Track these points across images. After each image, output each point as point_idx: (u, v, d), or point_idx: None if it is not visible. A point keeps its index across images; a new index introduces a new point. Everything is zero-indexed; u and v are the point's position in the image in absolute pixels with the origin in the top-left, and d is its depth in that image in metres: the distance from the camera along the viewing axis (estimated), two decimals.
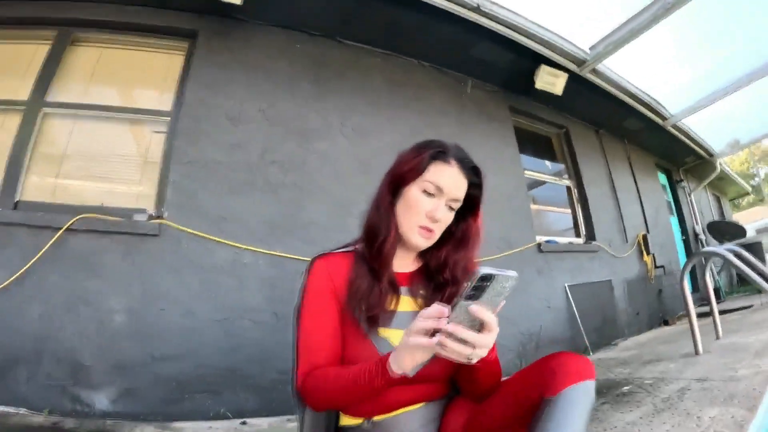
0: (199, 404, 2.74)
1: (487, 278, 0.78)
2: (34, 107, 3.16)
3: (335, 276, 1.19)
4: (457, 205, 1.21)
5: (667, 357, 3.45)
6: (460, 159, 1.20)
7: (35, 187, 3.06)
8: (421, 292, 1.24)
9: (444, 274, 1.23)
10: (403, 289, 1.23)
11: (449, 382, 1.21)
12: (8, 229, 2.75)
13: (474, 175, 1.22)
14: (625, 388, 2.68)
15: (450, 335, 0.84)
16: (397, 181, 1.21)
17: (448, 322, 0.84)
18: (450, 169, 1.18)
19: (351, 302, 1.15)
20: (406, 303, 1.21)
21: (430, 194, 1.17)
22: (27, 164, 3.05)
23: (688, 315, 3.43)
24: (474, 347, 0.85)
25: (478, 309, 0.82)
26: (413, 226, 1.18)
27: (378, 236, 1.18)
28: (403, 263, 1.28)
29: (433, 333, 0.87)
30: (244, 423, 2.58)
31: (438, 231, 1.20)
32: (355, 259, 1.23)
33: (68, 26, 3.38)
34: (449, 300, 1.10)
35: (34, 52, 3.34)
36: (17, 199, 2.95)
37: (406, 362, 0.91)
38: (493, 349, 1.01)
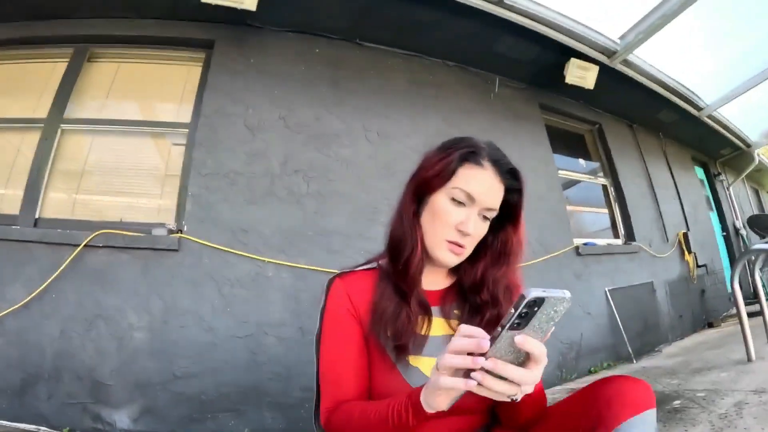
0: (222, 424, 2.64)
1: (536, 303, 0.63)
2: (53, 124, 3.16)
3: (357, 298, 1.05)
4: (492, 215, 1.03)
5: (717, 364, 3.23)
6: (494, 160, 1.02)
7: (55, 203, 3.06)
8: (455, 312, 1.07)
9: (482, 294, 1.05)
10: (435, 309, 1.06)
11: (488, 413, 1.05)
12: (28, 247, 2.76)
13: (512, 178, 1.04)
14: (677, 402, 2.45)
15: (489, 372, 0.69)
16: (422, 187, 1.04)
17: (486, 357, 0.69)
18: (483, 172, 1.00)
19: (375, 328, 1.00)
20: (438, 326, 1.05)
21: (459, 203, 1.00)
22: (46, 181, 3.05)
23: (739, 318, 3.24)
24: (519, 384, 0.70)
25: (525, 340, 0.67)
26: (440, 241, 1.01)
27: (403, 252, 1.02)
28: (434, 280, 1.11)
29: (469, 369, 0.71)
30: None
31: (470, 246, 1.03)
32: (379, 278, 1.07)
33: (85, 43, 3.40)
34: (489, 325, 0.95)
35: (51, 70, 3.37)
36: (37, 216, 2.95)
37: (438, 401, 0.76)
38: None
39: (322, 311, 1.06)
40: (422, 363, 0.98)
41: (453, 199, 1.00)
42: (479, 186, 0.99)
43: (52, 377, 2.57)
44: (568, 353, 3.94)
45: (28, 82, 3.41)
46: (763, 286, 6.89)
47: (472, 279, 1.07)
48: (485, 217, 1.02)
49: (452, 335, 1.01)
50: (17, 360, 2.59)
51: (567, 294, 0.64)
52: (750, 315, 3.32)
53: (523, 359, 0.70)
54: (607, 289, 4.48)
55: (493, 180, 1.00)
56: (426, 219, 1.03)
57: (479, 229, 1.02)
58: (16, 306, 2.63)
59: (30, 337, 2.61)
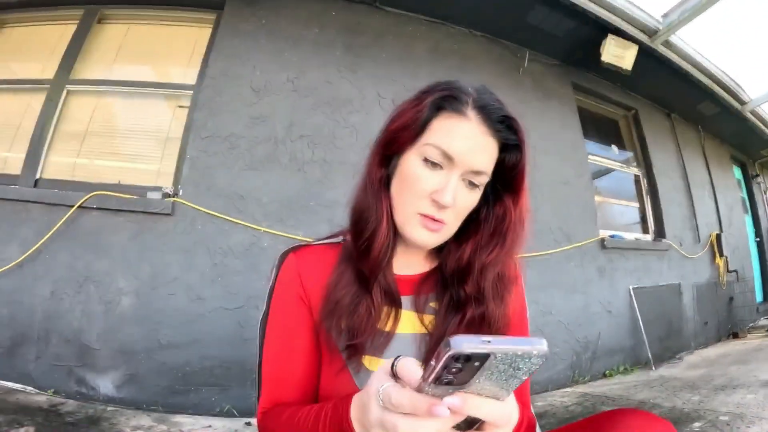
0: (205, 398, 2.55)
1: (470, 358, 0.42)
2: (59, 85, 3.13)
3: (310, 279, 0.84)
4: (481, 180, 0.77)
5: (743, 383, 2.97)
6: (481, 106, 0.75)
7: (56, 165, 3.03)
8: (431, 305, 0.85)
9: (465, 285, 0.81)
10: (406, 300, 0.84)
11: None
12: (26, 206, 2.74)
13: (507, 130, 0.77)
14: (696, 425, 2.21)
15: None
16: (389, 145, 0.80)
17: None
18: (464, 123, 0.75)
19: (326, 320, 0.79)
20: (408, 321, 0.83)
21: (434, 164, 0.75)
22: (49, 142, 3.02)
23: None
24: None
25: (464, 403, 0.46)
26: (411, 214, 0.77)
27: (365, 228, 0.79)
28: (409, 262, 0.87)
29: None
30: (248, 424, 2.31)
31: (452, 222, 0.78)
32: (339, 257, 0.85)
33: (95, 4, 3.34)
34: (471, 328, 0.79)
35: (61, 32, 3.33)
36: (38, 177, 2.94)
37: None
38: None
39: (270, 292, 0.87)
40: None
41: (426, 160, 0.76)
42: (459, 141, 0.74)
43: (41, 338, 2.56)
44: (583, 353, 3.69)
45: (38, 44, 3.39)
46: None
47: (456, 264, 0.83)
48: (472, 183, 0.77)
49: (424, 334, 0.80)
50: (8, 319, 2.58)
51: (538, 346, 0.43)
52: None
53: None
54: (631, 288, 4.20)
55: (480, 132, 0.75)
56: (395, 187, 0.80)
57: (463, 199, 0.77)
58: (10, 265, 2.61)
59: (22, 297, 2.60)
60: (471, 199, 0.78)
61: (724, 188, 6.26)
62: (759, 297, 6.74)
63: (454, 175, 0.74)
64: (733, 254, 5.90)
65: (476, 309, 0.80)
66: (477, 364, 0.42)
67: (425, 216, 0.76)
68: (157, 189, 2.83)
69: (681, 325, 4.70)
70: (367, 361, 0.78)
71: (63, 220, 2.63)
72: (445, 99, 0.76)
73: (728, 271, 5.68)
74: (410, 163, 0.77)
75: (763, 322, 6.16)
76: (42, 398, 2.34)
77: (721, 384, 3.02)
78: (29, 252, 2.60)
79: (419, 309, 0.83)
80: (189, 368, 2.55)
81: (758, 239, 7.39)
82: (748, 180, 7.64)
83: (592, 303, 3.87)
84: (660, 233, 4.85)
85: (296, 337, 0.82)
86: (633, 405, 2.79)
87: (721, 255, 5.54)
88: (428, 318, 0.83)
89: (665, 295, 4.60)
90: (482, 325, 0.80)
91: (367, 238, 0.79)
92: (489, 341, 0.41)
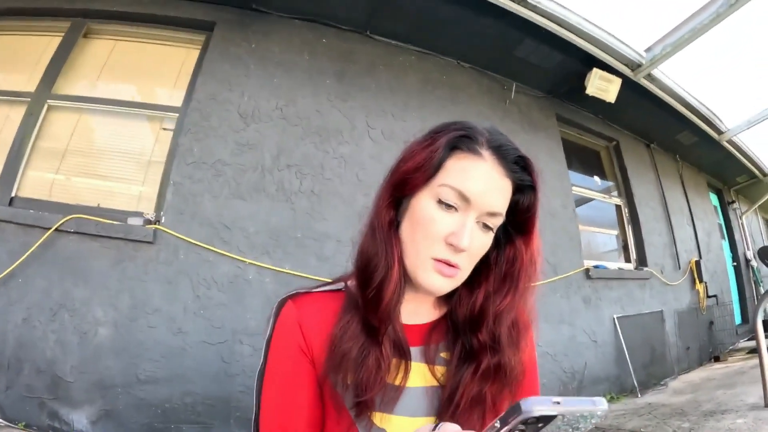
0: None
1: (539, 420, 0.42)
2: (40, 99, 3.03)
3: (312, 330, 0.78)
4: (496, 222, 0.74)
5: (731, 407, 3.01)
6: (496, 146, 0.73)
7: (33, 182, 2.92)
8: (441, 355, 0.80)
9: (479, 333, 0.77)
10: (415, 351, 0.79)
11: None
12: (0, 226, 2.62)
13: (522, 171, 0.75)
14: None
15: None
16: (400, 187, 0.76)
17: None
18: (480, 163, 0.72)
19: (333, 375, 0.74)
20: (418, 373, 0.78)
21: (449, 206, 0.71)
22: (26, 158, 2.91)
23: (760, 359, 3.01)
24: None
25: None
26: (424, 259, 0.72)
27: (374, 275, 0.74)
28: (417, 310, 0.83)
29: None
30: None
31: (466, 266, 0.74)
32: (343, 306, 0.80)
33: (83, 17, 3.26)
34: (485, 379, 0.74)
35: (46, 44, 3.23)
36: (13, 195, 2.82)
37: None
38: None
39: (268, 342, 0.80)
40: (392, 424, 0.73)
41: (440, 202, 0.71)
42: (476, 182, 0.71)
43: (13, 367, 2.44)
44: (570, 382, 3.70)
45: (20, 55, 3.28)
46: None
47: (468, 311, 0.78)
48: (486, 226, 0.73)
49: (436, 387, 0.75)
50: None
51: (600, 406, 0.41)
52: (750, 351, 3.08)
53: None
54: (615, 317, 4.26)
55: (496, 173, 0.72)
56: (406, 230, 0.76)
57: (478, 242, 0.73)
58: None
59: None
60: (485, 242, 0.74)
61: (702, 215, 6.45)
62: (738, 319, 6.91)
63: (470, 217, 0.71)
64: (712, 279, 6.07)
65: (491, 358, 0.76)
66: (541, 425, 0.42)
67: (439, 261, 0.72)
68: (138, 214, 2.75)
69: (664, 352, 4.76)
70: (378, 418, 0.73)
71: (39, 242, 2.52)
72: (460, 139, 0.73)
73: (708, 296, 5.81)
74: (423, 205, 0.73)
75: (743, 344, 6.29)
76: None
77: (710, 409, 3.05)
78: (2, 275, 2.48)
79: (430, 360, 0.78)
80: (169, 404, 2.45)
81: (735, 263, 7.59)
82: (724, 206, 7.87)
83: (578, 333, 3.90)
84: (642, 261, 4.95)
85: (298, 390, 0.76)
86: None
87: (701, 280, 5.67)
88: (440, 370, 0.77)
89: (648, 323, 4.68)
90: (498, 375, 0.76)
91: (377, 284, 0.74)
92: (558, 402, 0.41)
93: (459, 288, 0.78)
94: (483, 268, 0.78)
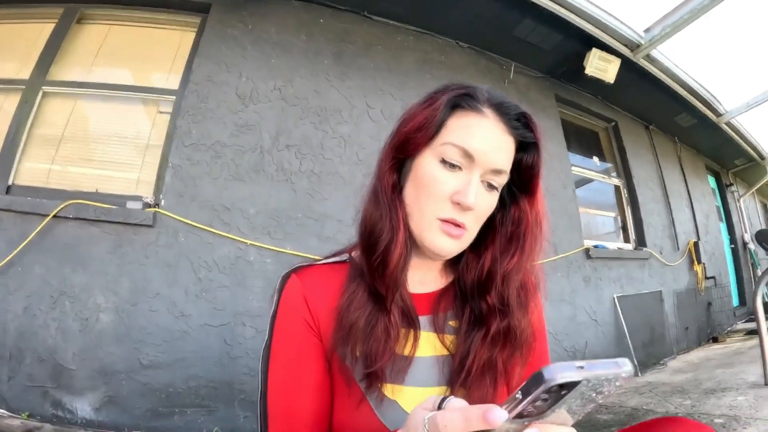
0: (190, 420, 2.43)
1: (563, 387, 0.39)
2: (34, 86, 2.97)
3: (317, 303, 0.77)
4: (501, 181, 0.73)
5: (731, 385, 3.03)
6: (497, 104, 0.73)
7: (30, 170, 2.87)
8: (450, 323, 0.79)
9: (488, 295, 0.76)
10: (423, 320, 0.78)
11: None
12: None
13: (524, 128, 0.74)
14: None
15: None
16: (402, 148, 0.75)
17: None
18: (483, 120, 0.71)
19: (341, 347, 0.72)
20: (427, 343, 0.77)
21: (453, 165, 0.71)
22: (23, 146, 2.86)
23: (760, 338, 3.01)
24: None
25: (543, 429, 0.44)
26: (430, 220, 0.72)
27: (379, 241, 0.73)
28: (424, 278, 0.82)
29: None
30: None
31: (473, 226, 0.73)
32: (348, 277, 0.79)
33: (75, 3, 3.20)
34: (495, 343, 0.74)
35: (39, 31, 3.17)
36: (10, 183, 2.77)
37: None
38: None
39: (273, 318, 0.79)
40: (403, 395, 0.72)
41: (444, 161, 0.71)
42: (479, 138, 0.70)
43: (14, 357, 2.41)
44: None
45: (13, 42, 3.22)
46: None
47: (476, 275, 0.77)
48: (491, 186, 0.73)
49: (446, 355, 0.74)
50: None
51: (625, 367, 0.40)
52: (748, 333, 3.09)
53: None
54: (615, 296, 4.27)
55: (498, 130, 0.72)
56: (410, 193, 0.75)
57: (484, 202, 0.72)
58: None
59: None
60: (490, 201, 0.74)
61: (700, 197, 6.46)
62: (735, 301, 6.97)
63: (475, 174, 0.70)
64: (710, 261, 6.09)
65: (501, 321, 0.75)
66: (564, 392, 0.40)
67: (446, 221, 0.71)
68: (137, 198, 2.72)
69: (663, 332, 4.78)
70: (389, 390, 0.71)
71: (37, 230, 2.49)
72: (461, 97, 0.73)
73: (706, 277, 5.84)
74: (427, 165, 0.72)
75: (740, 325, 6.33)
76: (16, 422, 2.23)
77: (711, 387, 3.07)
78: (0, 264, 2.45)
79: (439, 329, 0.77)
80: (173, 389, 2.44)
81: (733, 246, 7.63)
82: (722, 189, 7.89)
83: (579, 312, 3.90)
84: (641, 242, 4.96)
85: (305, 366, 0.75)
86: (626, 411, 2.82)
87: (699, 262, 5.69)
88: (449, 338, 0.77)
89: (648, 303, 4.70)
90: (508, 338, 0.75)
91: (382, 250, 0.72)
92: (582, 366, 0.38)
93: (466, 253, 0.78)
94: (489, 231, 0.78)
